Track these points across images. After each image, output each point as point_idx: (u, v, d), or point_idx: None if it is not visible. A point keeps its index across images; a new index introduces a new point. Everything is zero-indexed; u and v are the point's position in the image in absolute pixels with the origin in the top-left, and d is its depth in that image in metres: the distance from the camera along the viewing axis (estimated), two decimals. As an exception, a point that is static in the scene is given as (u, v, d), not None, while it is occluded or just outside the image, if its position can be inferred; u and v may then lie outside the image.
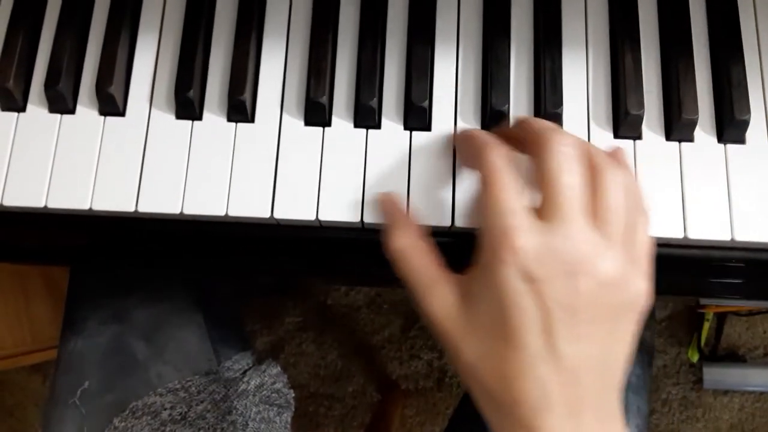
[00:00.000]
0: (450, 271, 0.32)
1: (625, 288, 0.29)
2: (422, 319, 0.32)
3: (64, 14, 0.38)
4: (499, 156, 0.30)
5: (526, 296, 0.28)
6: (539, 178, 0.30)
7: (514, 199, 0.29)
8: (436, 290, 0.31)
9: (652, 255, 0.31)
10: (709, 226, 0.35)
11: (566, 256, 0.28)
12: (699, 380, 1.09)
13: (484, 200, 0.30)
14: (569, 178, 0.29)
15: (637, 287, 0.30)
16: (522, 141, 0.32)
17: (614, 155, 0.33)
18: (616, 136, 0.37)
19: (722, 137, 0.36)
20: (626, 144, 0.36)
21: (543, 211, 0.29)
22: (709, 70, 0.37)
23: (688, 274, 0.38)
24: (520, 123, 0.33)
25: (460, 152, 0.36)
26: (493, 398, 0.30)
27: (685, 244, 0.36)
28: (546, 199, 0.29)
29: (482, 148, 0.31)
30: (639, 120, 0.36)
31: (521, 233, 0.28)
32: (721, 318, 1.10)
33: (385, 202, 0.35)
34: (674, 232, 0.35)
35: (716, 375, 1.07)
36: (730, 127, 0.36)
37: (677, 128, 0.36)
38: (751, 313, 1.09)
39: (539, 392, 0.28)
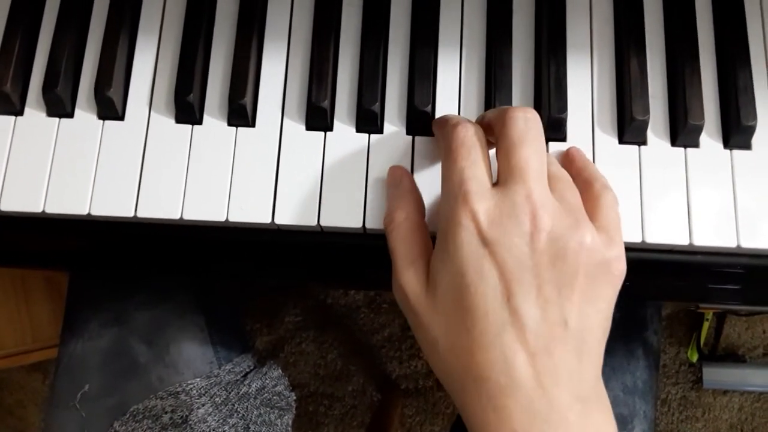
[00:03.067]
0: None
1: (593, 251, 0.28)
2: (394, 294, 0.32)
3: (62, 16, 0.38)
4: (466, 130, 0.30)
5: (484, 260, 0.27)
6: (500, 147, 0.30)
7: (472, 167, 0.29)
8: (413, 269, 0.30)
9: (620, 228, 0.31)
10: (715, 233, 0.35)
11: (520, 214, 0.28)
12: (698, 380, 1.09)
13: (445, 170, 0.30)
14: (528, 147, 0.29)
15: (610, 252, 0.29)
16: (489, 126, 0.32)
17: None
18: (621, 141, 0.36)
19: (728, 143, 0.36)
20: (631, 150, 0.36)
21: (500, 178, 0.29)
22: (716, 76, 0.37)
23: (689, 281, 0.38)
24: (484, 115, 0.34)
25: (437, 139, 0.35)
26: (459, 378, 0.28)
27: (689, 251, 0.36)
28: (503, 166, 0.29)
29: (450, 125, 0.31)
30: (644, 125, 0.35)
31: (476, 196, 0.28)
32: (720, 318, 1.10)
33: (394, 173, 0.35)
34: (680, 239, 0.35)
35: (716, 375, 1.07)
36: (737, 132, 0.35)
37: (683, 134, 0.35)
38: (750, 314, 1.09)
39: (504, 366, 0.26)
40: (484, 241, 0.27)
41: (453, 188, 0.29)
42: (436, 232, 0.31)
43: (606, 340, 0.29)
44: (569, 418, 0.26)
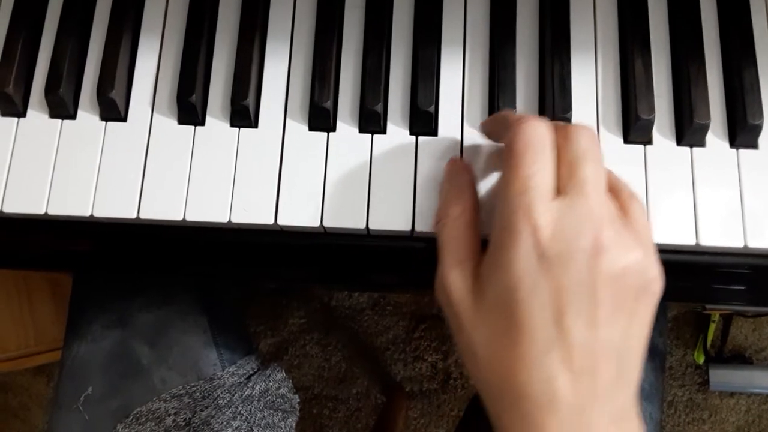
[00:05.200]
0: (481, 255, 0.30)
1: (643, 271, 0.28)
2: (436, 293, 0.31)
3: (64, 18, 0.38)
4: (534, 128, 0.29)
5: (540, 276, 0.26)
6: (561, 161, 0.28)
7: (538, 174, 0.28)
8: (460, 269, 0.29)
9: (652, 240, 0.30)
10: (721, 233, 0.34)
11: (583, 231, 0.27)
12: (705, 382, 1.08)
13: (507, 175, 0.28)
14: (592, 163, 0.28)
15: (653, 272, 0.28)
16: None
17: None
18: (626, 141, 0.36)
19: (735, 142, 0.36)
20: (636, 149, 0.36)
21: (561, 189, 0.28)
22: (721, 74, 0.37)
23: (695, 281, 0.37)
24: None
25: (490, 133, 0.34)
26: (496, 389, 0.28)
27: (696, 251, 0.36)
28: (565, 178, 0.28)
29: (517, 121, 0.29)
30: (650, 125, 0.35)
31: (539, 208, 0.27)
32: (727, 319, 1.10)
33: (456, 164, 0.33)
34: (686, 239, 0.34)
35: (722, 377, 1.06)
36: (743, 131, 0.35)
37: (689, 133, 0.35)
38: (757, 315, 1.09)
39: (545, 386, 0.26)
40: (542, 257, 0.26)
41: (514, 196, 0.28)
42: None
43: (642, 363, 0.29)
44: None
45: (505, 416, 0.28)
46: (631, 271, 0.27)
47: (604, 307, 0.26)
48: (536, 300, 0.26)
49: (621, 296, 0.27)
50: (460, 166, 0.33)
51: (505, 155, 0.29)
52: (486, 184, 0.35)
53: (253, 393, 0.50)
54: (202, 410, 0.48)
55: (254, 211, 0.35)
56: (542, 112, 0.36)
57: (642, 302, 0.28)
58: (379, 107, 0.36)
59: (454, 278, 0.29)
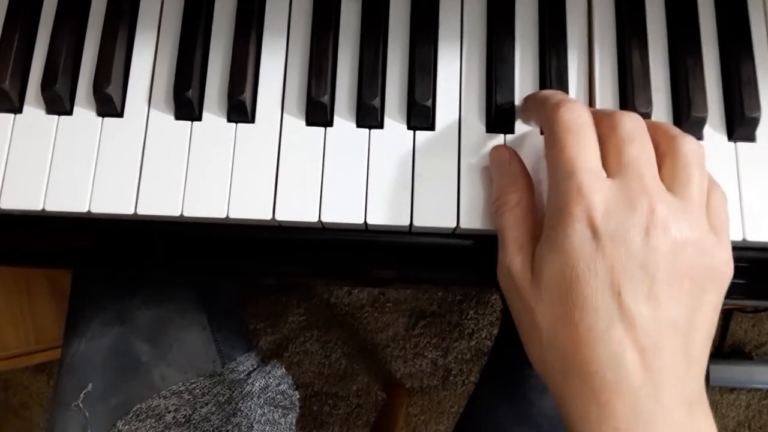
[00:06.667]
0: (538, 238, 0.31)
1: (705, 253, 0.27)
2: (499, 278, 0.32)
3: (60, 13, 0.38)
4: (570, 111, 0.29)
5: (596, 253, 0.27)
6: (609, 146, 0.29)
7: (582, 155, 0.28)
8: (522, 254, 0.30)
9: (728, 229, 0.30)
10: (719, 226, 0.34)
11: (640, 210, 0.27)
12: (705, 378, 1.08)
13: (552, 159, 0.29)
14: (640, 144, 0.28)
15: (720, 255, 0.28)
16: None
17: None
18: (624, 134, 0.36)
19: (732, 135, 0.36)
20: (634, 142, 0.36)
21: (611, 172, 0.28)
22: (719, 67, 0.37)
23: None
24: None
25: (528, 113, 0.34)
26: (560, 369, 0.28)
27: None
28: (614, 161, 0.28)
29: (551, 105, 0.30)
30: (647, 118, 0.35)
31: (590, 187, 0.27)
32: (726, 315, 1.10)
33: (500, 152, 0.33)
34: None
35: (722, 372, 1.07)
36: (741, 124, 0.35)
37: (686, 126, 0.35)
38: (756, 310, 1.09)
39: (612, 362, 0.26)
40: (597, 234, 0.27)
41: (563, 179, 0.28)
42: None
43: (710, 346, 0.29)
44: (674, 419, 0.26)
45: (570, 394, 0.28)
46: (689, 249, 0.27)
47: (660, 283, 0.26)
48: (594, 277, 0.27)
49: (678, 273, 0.27)
50: (508, 153, 0.33)
51: (546, 141, 0.30)
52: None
53: (253, 389, 0.50)
54: (202, 407, 0.48)
55: (252, 207, 0.35)
56: (540, 105, 0.36)
57: (706, 286, 0.28)
58: (377, 102, 0.35)
59: (518, 262, 0.30)
